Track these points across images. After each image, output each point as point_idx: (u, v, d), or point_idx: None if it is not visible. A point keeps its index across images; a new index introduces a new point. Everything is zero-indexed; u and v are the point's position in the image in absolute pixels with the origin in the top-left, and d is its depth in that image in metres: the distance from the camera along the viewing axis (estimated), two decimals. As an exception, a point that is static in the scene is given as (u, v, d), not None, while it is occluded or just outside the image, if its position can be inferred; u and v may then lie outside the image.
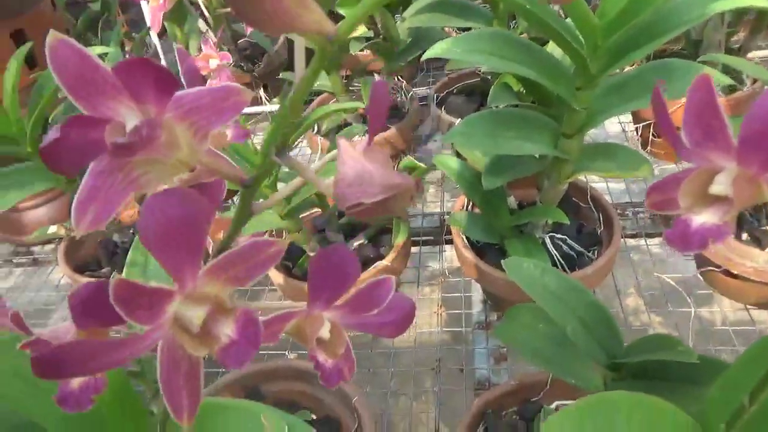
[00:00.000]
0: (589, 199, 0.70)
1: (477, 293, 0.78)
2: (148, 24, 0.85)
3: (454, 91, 1.00)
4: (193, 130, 0.19)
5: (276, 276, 0.69)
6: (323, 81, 0.93)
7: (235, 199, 0.61)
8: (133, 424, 0.33)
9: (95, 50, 0.82)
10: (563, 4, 0.45)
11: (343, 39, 0.18)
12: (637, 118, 0.96)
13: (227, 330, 0.19)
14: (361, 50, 0.96)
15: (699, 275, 0.73)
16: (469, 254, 0.65)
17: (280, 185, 0.63)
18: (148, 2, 0.84)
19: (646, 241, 0.80)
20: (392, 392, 0.71)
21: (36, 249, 1.04)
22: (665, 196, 0.23)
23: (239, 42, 1.25)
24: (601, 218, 0.69)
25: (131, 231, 0.82)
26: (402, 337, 0.76)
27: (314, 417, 0.58)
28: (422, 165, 0.69)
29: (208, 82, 0.80)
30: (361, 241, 0.74)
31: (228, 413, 0.34)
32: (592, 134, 1.06)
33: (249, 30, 1.02)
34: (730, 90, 0.81)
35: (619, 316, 0.73)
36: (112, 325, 0.20)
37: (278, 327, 0.23)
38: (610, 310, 0.44)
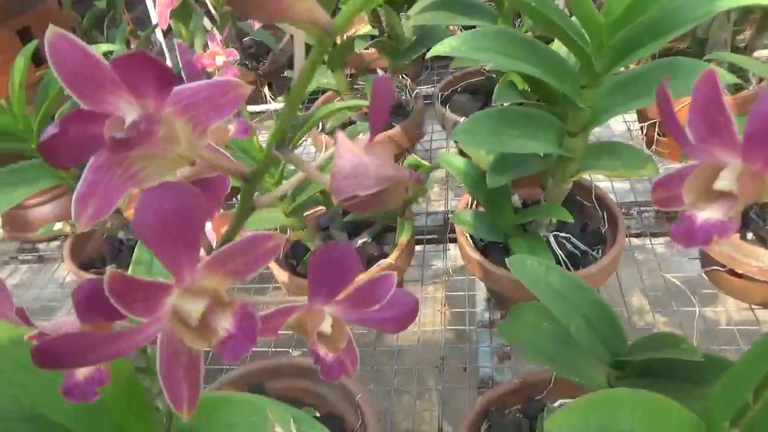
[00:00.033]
0: (593, 198, 0.70)
1: (481, 292, 0.78)
2: (154, 22, 0.85)
3: (459, 90, 1.00)
4: (192, 125, 0.19)
5: (280, 274, 0.69)
6: (328, 79, 0.93)
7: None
8: (139, 419, 0.33)
9: (101, 48, 0.82)
10: (568, 0, 0.45)
11: (341, 31, 0.18)
12: (642, 116, 0.95)
13: (225, 324, 0.19)
14: (366, 48, 0.96)
15: (704, 275, 0.73)
16: (473, 253, 0.65)
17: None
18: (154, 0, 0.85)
19: (650, 241, 0.80)
20: (395, 390, 0.71)
21: (41, 246, 1.04)
22: (670, 192, 0.23)
23: (244, 40, 1.26)
24: (606, 217, 0.68)
25: (136, 228, 0.82)
26: (406, 336, 0.76)
27: (317, 414, 0.58)
28: (426, 163, 0.69)
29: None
30: (365, 240, 0.74)
31: (232, 406, 0.34)
32: (597, 133, 1.05)
33: (257, 25, 1.02)
34: (736, 89, 0.80)
35: (624, 316, 0.72)
36: (114, 319, 0.20)
37: (279, 321, 0.23)
38: (615, 309, 0.44)
